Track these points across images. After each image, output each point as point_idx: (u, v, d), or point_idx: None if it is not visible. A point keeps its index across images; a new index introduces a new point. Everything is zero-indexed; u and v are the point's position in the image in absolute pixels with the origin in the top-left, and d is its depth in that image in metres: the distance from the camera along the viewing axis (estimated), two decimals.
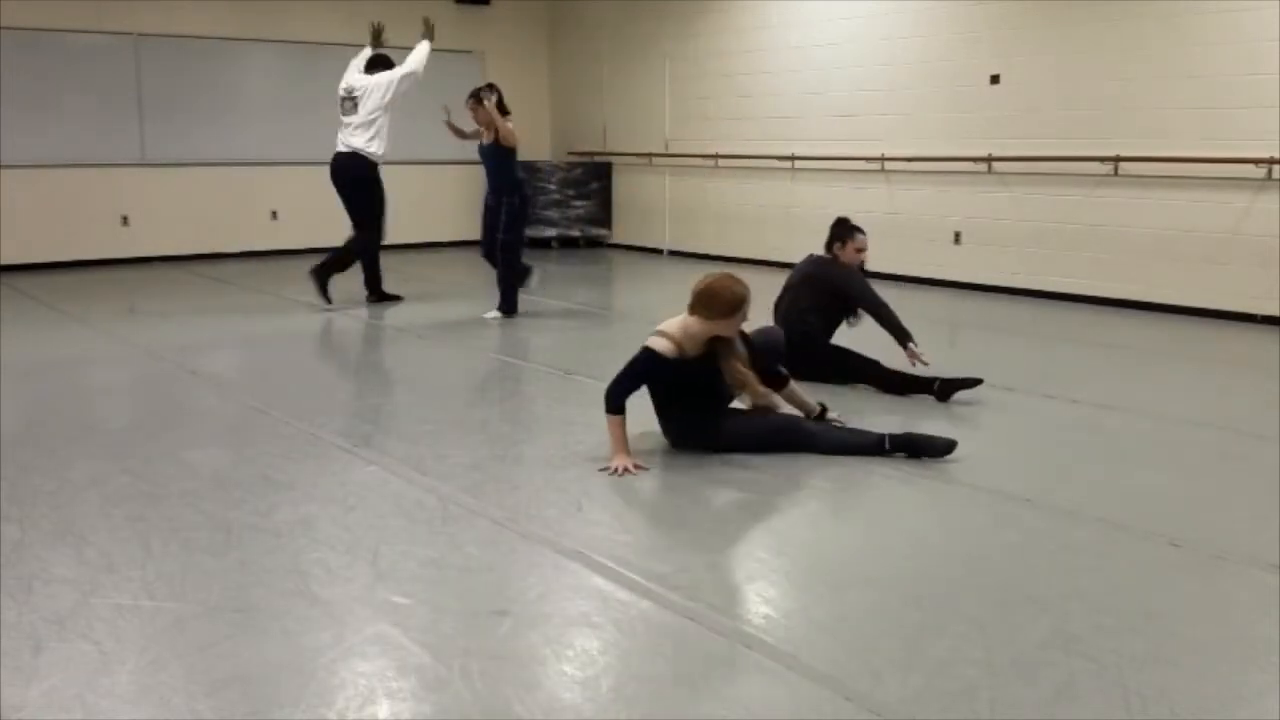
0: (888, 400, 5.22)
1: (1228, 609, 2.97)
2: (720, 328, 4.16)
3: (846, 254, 5.60)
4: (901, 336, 5.36)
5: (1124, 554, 3.34)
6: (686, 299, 4.21)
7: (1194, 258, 7.70)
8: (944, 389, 5.24)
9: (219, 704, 2.39)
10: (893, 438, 4.24)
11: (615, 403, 4.17)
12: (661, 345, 4.15)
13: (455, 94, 8.88)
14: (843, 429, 4.47)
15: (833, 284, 5.55)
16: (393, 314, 7.90)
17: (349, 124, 7.96)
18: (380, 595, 2.97)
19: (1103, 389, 5.54)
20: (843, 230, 5.63)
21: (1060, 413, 5.09)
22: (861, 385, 5.41)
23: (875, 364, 5.46)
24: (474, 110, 7.45)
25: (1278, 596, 3.00)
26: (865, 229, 5.66)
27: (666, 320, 4.25)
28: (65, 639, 2.70)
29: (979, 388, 5.23)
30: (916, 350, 5.31)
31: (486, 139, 7.48)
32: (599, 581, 3.07)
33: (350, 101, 7.99)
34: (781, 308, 5.62)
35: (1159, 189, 7.83)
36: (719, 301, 4.12)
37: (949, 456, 4.23)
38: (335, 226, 8.39)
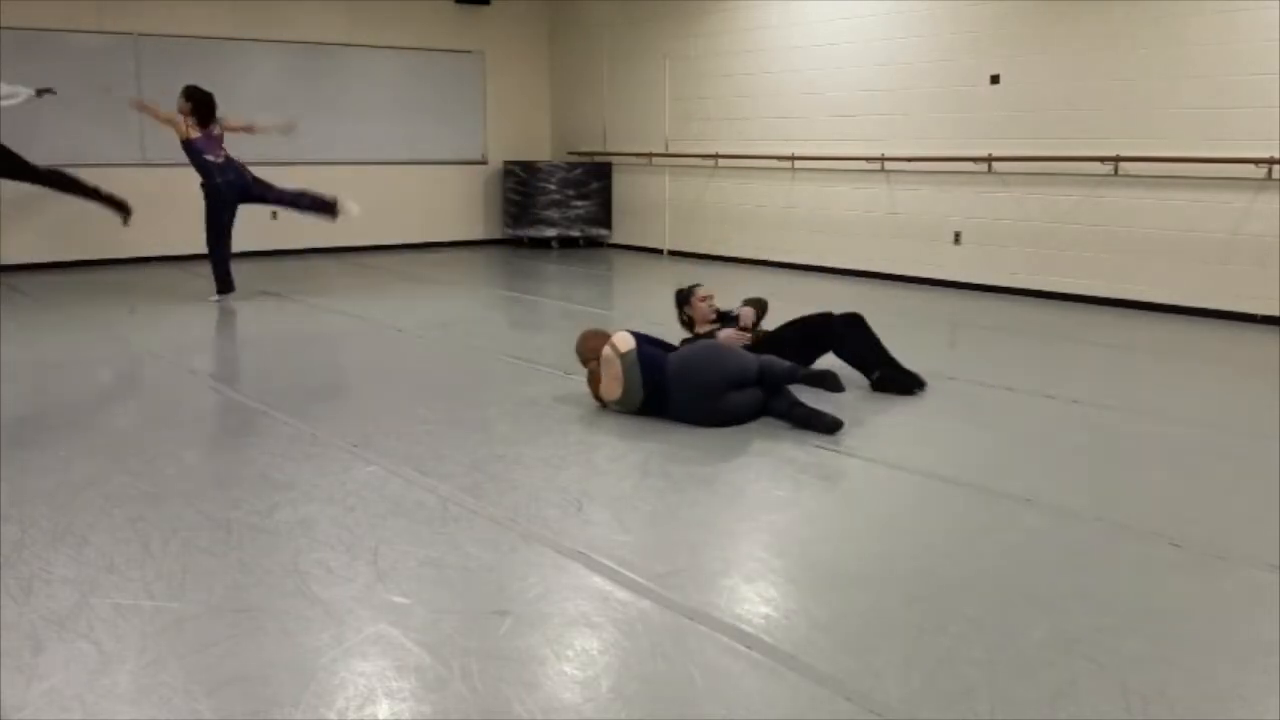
0: (878, 399, 5.19)
1: (1228, 609, 2.97)
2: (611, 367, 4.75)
3: (697, 312, 5.50)
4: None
5: (1124, 554, 3.34)
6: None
7: (1194, 258, 7.69)
8: (881, 380, 5.24)
9: (219, 704, 2.39)
10: (805, 374, 4.65)
11: None
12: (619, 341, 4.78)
13: (456, 94, 8.94)
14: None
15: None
16: (393, 314, 7.90)
17: None
18: (380, 595, 2.97)
19: (1103, 389, 5.54)
20: (680, 298, 5.58)
21: (1061, 412, 5.09)
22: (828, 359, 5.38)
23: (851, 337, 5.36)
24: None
25: (1278, 596, 3.00)
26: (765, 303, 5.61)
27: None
28: (65, 639, 2.70)
29: (914, 394, 5.18)
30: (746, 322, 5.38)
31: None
32: (599, 581, 3.07)
33: None
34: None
35: (1159, 189, 7.83)
36: (583, 352, 4.95)
37: (949, 450, 4.24)
38: (335, 227, 8.39)
